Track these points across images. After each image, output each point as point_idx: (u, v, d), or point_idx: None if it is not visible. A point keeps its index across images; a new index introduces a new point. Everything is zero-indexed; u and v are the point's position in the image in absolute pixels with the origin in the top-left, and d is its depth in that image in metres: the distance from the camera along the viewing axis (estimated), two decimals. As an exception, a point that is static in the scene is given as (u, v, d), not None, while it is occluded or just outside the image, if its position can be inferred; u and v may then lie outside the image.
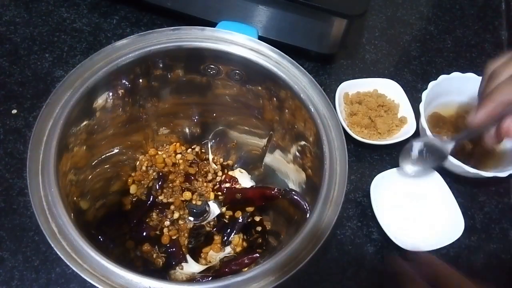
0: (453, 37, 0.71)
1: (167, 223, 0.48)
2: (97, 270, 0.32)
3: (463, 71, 0.58)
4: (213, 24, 0.47)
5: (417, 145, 0.51)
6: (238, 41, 0.45)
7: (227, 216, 0.50)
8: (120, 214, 0.48)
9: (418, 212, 0.53)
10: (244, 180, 0.52)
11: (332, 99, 0.58)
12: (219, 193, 0.51)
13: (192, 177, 0.51)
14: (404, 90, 0.61)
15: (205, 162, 0.54)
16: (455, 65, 0.68)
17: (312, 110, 0.42)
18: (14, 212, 0.49)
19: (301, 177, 0.46)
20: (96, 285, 0.31)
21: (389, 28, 0.71)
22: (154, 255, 0.47)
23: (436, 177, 0.54)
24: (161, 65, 0.45)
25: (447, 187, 0.53)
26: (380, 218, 0.51)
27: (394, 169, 0.54)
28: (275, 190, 0.47)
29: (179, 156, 0.53)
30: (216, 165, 0.54)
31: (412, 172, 0.53)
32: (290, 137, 0.47)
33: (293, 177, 0.48)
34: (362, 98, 0.61)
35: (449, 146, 0.49)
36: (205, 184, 0.51)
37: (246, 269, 0.44)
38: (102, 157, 0.46)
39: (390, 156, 0.58)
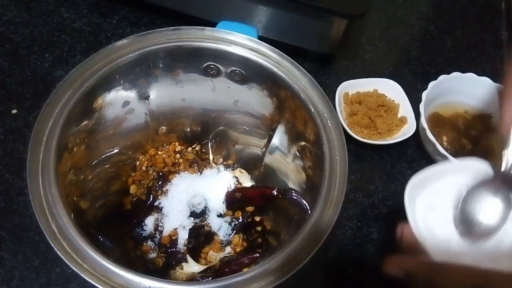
0: (453, 37, 0.71)
1: (167, 223, 0.48)
2: (97, 270, 0.32)
3: (463, 71, 0.58)
4: (213, 24, 0.47)
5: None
6: (238, 41, 0.45)
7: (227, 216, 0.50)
8: (120, 214, 0.48)
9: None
10: (244, 180, 0.52)
11: (332, 99, 0.58)
12: (219, 193, 0.51)
13: (192, 177, 0.51)
14: (404, 90, 0.60)
15: (205, 162, 0.54)
16: (455, 65, 0.68)
17: (312, 110, 0.42)
18: (14, 212, 0.49)
19: (301, 177, 0.46)
20: (96, 285, 0.31)
21: (389, 28, 0.71)
22: (154, 255, 0.47)
23: None
24: (161, 65, 0.45)
25: None
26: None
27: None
28: (275, 190, 0.47)
29: (178, 155, 0.53)
30: (216, 165, 0.54)
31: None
32: (290, 137, 0.47)
33: (293, 177, 0.48)
34: (362, 98, 0.60)
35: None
36: (205, 184, 0.51)
37: (246, 269, 0.44)
38: (102, 157, 0.46)
39: (390, 156, 0.58)
